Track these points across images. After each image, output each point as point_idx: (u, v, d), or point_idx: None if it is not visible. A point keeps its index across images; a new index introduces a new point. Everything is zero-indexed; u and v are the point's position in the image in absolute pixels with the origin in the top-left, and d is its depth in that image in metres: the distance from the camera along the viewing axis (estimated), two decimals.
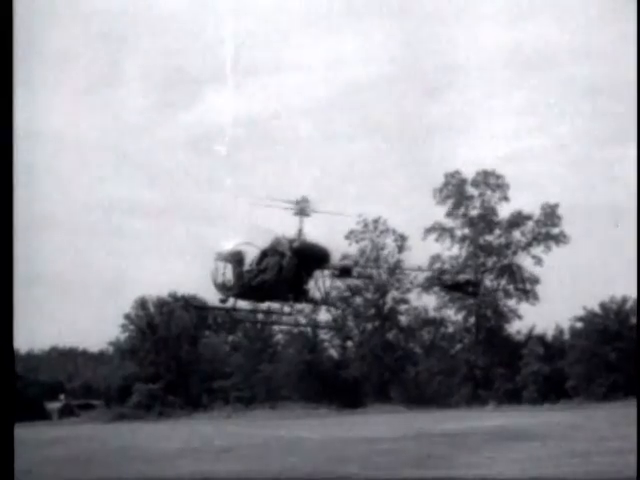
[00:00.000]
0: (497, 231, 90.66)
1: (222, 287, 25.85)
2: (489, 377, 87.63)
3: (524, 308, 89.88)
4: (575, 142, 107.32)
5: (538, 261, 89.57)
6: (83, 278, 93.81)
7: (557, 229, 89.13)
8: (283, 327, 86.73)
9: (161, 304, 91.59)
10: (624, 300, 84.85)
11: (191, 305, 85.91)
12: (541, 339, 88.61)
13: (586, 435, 48.76)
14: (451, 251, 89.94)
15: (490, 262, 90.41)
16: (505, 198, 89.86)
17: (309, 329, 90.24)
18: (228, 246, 25.90)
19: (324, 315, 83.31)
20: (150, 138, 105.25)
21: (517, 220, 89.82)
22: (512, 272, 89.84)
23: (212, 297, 26.21)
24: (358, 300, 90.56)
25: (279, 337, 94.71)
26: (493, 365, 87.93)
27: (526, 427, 54.75)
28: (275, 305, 27.64)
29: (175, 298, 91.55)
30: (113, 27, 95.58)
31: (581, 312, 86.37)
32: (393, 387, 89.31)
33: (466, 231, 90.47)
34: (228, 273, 25.72)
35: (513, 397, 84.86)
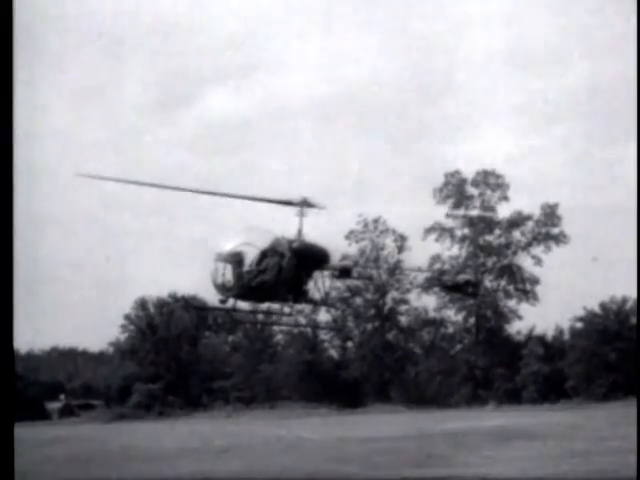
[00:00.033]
0: (497, 231, 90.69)
1: (222, 288, 25.81)
2: (489, 377, 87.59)
3: (524, 308, 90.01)
4: (575, 142, 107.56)
5: (538, 261, 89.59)
6: (83, 278, 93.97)
7: (557, 229, 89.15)
8: (283, 327, 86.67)
9: (161, 304, 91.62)
10: (624, 300, 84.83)
11: (191, 305, 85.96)
12: (541, 339, 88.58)
13: (586, 435, 48.73)
14: (451, 251, 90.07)
15: (490, 262, 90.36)
16: (505, 198, 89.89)
17: (309, 329, 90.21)
18: (228, 247, 25.86)
19: (324, 315, 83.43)
20: (150, 138, 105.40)
21: (517, 220, 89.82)
22: (512, 272, 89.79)
23: (212, 297, 26.20)
24: (358, 300, 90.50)
25: (279, 337, 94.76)
26: (493, 365, 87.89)
27: (526, 427, 54.71)
28: (275, 306, 27.63)
29: (175, 298, 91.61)
30: (113, 27, 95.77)
31: (581, 312, 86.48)
32: (393, 387, 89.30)
33: (466, 231, 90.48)
34: (228, 274, 25.68)
35: (513, 397, 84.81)
